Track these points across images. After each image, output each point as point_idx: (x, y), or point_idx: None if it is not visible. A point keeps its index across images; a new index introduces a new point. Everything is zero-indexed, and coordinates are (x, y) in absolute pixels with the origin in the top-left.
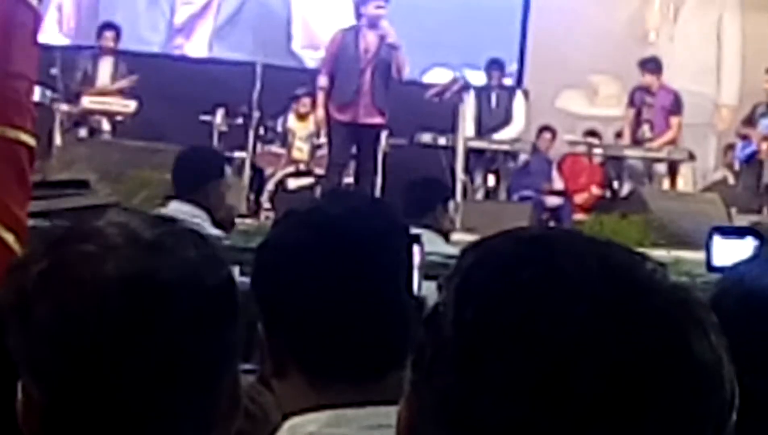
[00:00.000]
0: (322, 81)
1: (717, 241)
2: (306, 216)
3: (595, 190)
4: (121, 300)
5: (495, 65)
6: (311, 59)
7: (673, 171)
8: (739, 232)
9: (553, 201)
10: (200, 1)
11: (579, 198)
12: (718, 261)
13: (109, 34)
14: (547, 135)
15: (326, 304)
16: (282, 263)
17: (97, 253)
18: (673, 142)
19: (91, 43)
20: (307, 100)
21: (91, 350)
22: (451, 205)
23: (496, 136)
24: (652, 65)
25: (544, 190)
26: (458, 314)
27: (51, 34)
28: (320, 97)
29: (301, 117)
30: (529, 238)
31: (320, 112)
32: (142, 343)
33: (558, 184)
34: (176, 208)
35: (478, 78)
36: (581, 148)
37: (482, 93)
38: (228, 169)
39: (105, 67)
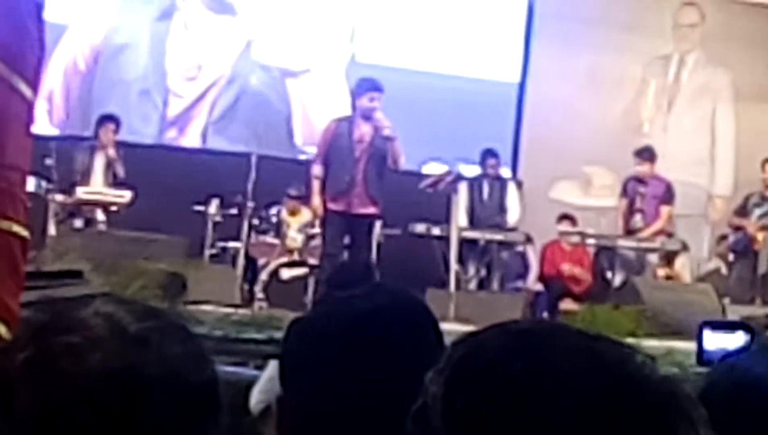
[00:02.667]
0: (317, 170)
1: (707, 335)
2: (341, 306)
3: (584, 274)
4: (104, 393)
5: (489, 154)
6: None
7: (669, 261)
8: (730, 326)
9: (535, 287)
10: (191, 95)
11: (570, 282)
12: (708, 354)
13: (110, 126)
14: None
15: (341, 403)
16: (306, 349)
17: (81, 344)
18: (662, 231)
19: (81, 133)
20: (296, 201)
21: None
22: None
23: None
24: (646, 154)
25: (521, 274)
26: (448, 405)
27: (41, 124)
28: (316, 185)
29: (293, 212)
30: (519, 331)
31: (316, 200)
32: None
33: (534, 268)
34: None
35: (471, 172)
36: (575, 238)
37: (474, 184)
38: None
39: (100, 161)
